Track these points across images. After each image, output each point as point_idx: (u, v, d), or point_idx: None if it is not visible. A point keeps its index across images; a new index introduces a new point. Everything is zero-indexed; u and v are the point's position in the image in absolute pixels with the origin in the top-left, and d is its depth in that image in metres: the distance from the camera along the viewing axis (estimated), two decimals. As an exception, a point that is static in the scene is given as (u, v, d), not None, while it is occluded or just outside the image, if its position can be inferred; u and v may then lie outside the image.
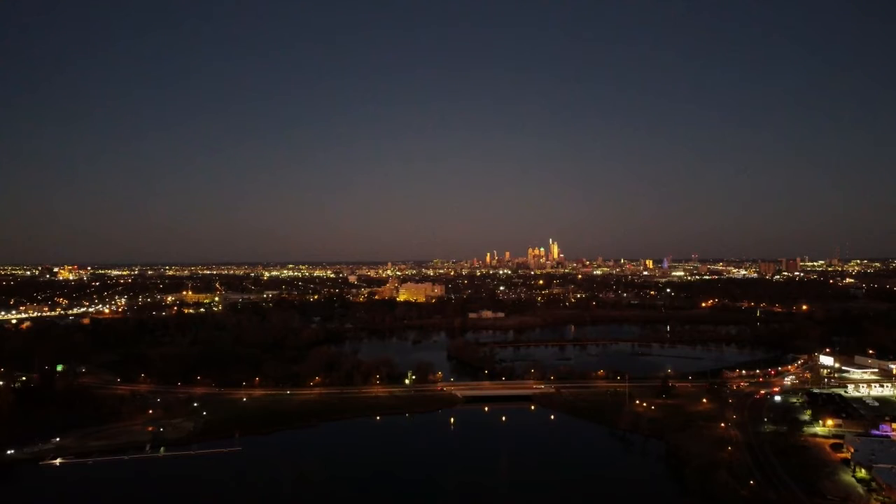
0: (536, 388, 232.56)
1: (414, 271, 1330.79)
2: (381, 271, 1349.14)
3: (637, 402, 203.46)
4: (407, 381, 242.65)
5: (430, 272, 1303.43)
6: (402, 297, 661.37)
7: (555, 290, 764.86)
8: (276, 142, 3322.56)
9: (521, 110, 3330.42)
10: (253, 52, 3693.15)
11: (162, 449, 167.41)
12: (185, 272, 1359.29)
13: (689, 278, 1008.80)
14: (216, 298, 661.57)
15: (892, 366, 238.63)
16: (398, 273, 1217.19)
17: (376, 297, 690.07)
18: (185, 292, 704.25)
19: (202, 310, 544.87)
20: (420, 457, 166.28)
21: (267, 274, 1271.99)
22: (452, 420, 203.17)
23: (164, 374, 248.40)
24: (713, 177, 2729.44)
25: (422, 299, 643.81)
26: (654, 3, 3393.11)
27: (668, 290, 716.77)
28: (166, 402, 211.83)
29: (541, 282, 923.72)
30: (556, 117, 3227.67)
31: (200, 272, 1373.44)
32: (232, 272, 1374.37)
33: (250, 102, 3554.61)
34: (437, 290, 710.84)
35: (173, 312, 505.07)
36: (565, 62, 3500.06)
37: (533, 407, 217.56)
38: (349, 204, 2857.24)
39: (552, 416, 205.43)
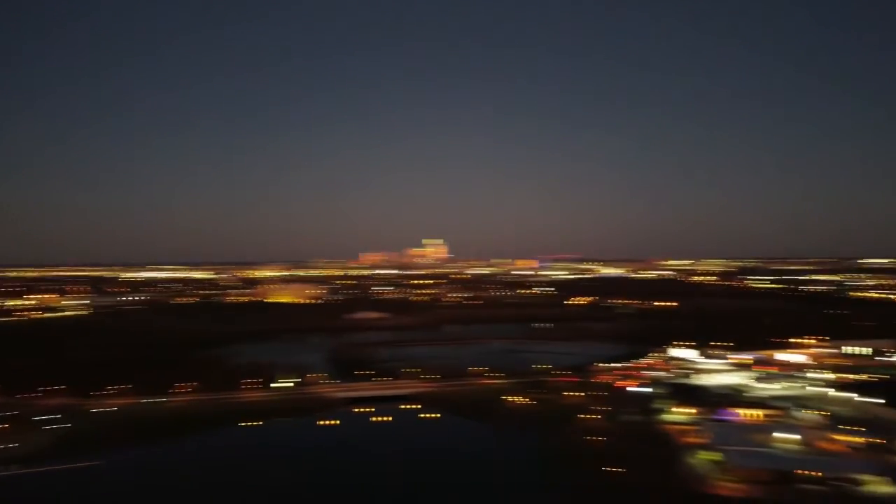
0: (418, 388, 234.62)
1: (296, 271, 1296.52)
2: (260, 272, 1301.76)
3: (514, 397, 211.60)
4: (285, 384, 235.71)
5: (313, 272, 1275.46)
6: (282, 299, 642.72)
7: (438, 290, 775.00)
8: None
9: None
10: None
11: (12, 467, 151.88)
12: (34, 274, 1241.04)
13: (567, 277, 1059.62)
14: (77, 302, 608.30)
15: (740, 356, 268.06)
16: (279, 274, 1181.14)
17: (256, 298, 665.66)
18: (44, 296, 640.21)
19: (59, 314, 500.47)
20: (299, 463, 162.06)
21: (134, 275, 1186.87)
22: (333, 423, 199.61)
23: (11, 384, 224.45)
24: (610, 177, 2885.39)
25: (303, 300, 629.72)
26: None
27: (548, 289, 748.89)
28: (16, 414, 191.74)
29: (425, 281, 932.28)
30: (434, 120, 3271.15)
31: (55, 273, 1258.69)
32: (99, 274, 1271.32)
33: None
34: (319, 291, 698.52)
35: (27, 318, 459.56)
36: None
37: (414, 406, 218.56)
38: (234, 205, 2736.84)
39: (433, 415, 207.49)
